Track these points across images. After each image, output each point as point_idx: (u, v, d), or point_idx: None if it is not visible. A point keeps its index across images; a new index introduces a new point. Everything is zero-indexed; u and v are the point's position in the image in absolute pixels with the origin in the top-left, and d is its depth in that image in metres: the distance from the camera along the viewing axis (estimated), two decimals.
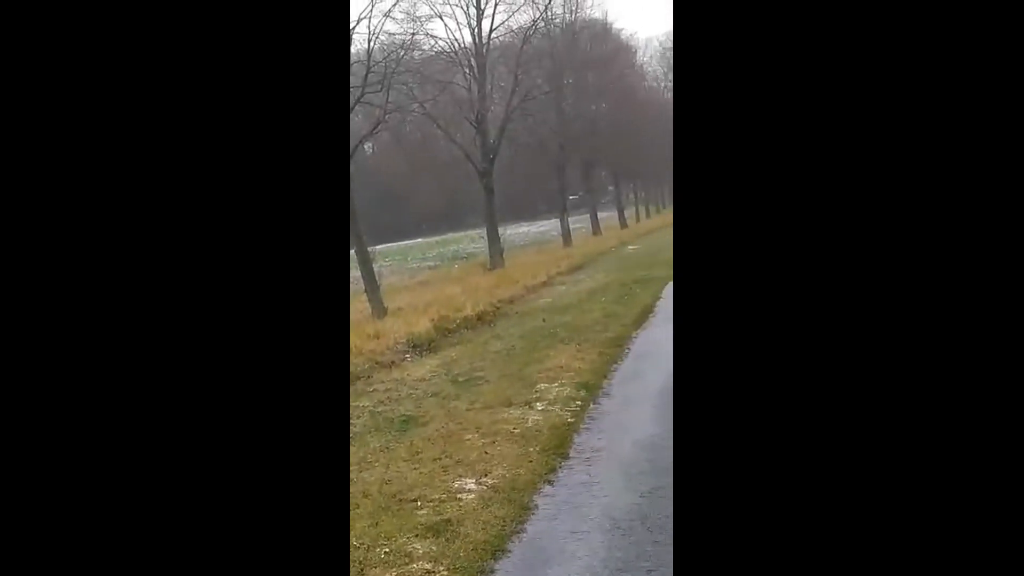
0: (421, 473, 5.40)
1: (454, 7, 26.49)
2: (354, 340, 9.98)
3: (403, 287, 20.67)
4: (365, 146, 29.29)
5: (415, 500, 4.91)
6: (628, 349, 8.91)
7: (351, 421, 6.93)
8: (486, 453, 5.66)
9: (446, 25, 50.34)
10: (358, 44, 16.69)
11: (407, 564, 4.07)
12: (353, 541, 4.32)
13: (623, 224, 37.21)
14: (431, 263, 31.93)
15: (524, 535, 4.26)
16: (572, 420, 6.22)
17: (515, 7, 24.07)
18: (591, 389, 7.08)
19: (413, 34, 18.86)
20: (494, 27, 23.02)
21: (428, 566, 4.02)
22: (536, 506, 4.61)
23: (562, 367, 8.05)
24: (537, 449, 5.59)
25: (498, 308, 13.39)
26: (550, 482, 4.98)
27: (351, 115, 15.46)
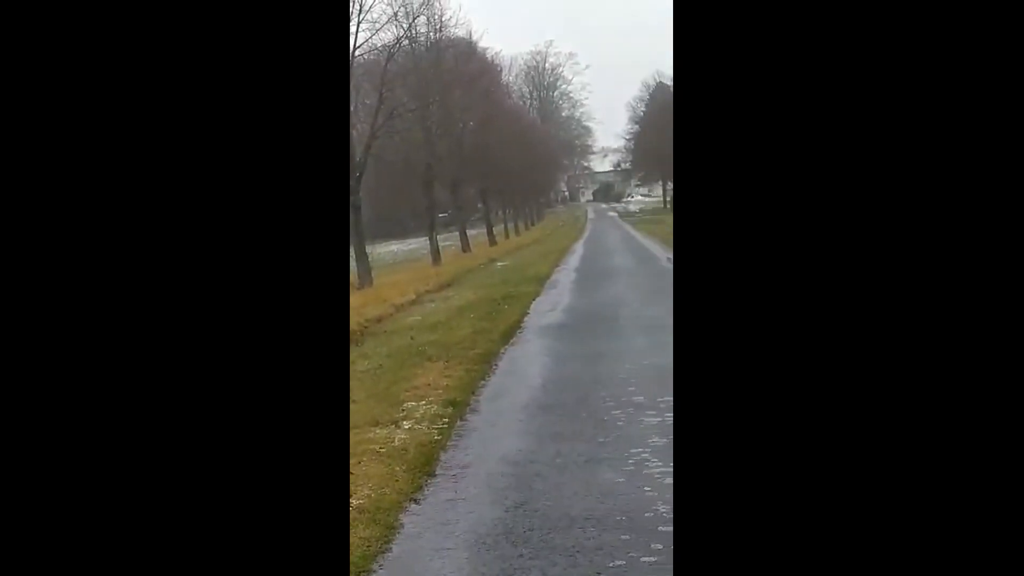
0: None
1: None
2: None
3: None
4: None
5: None
6: (496, 365, 8.96)
7: None
8: (352, 474, 5.58)
9: None
10: None
11: None
12: None
13: (492, 241, 37.46)
14: None
15: (389, 555, 4.22)
16: (439, 438, 6.20)
17: (378, 25, 23.94)
18: (458, 406, 7.07)
19: None
20: (358, 45, 22.87)
21: None
22: (402, 525, 4.57)
23: (429, 385, 8.02)
24: (403, 468, 5.54)
25: (365, 327, 13.23)
26: (416, 500, 4.95)
27: None
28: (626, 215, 66.72)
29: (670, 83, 54.50)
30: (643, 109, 67.58)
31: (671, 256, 22.91)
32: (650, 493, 4.64)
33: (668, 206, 71.51)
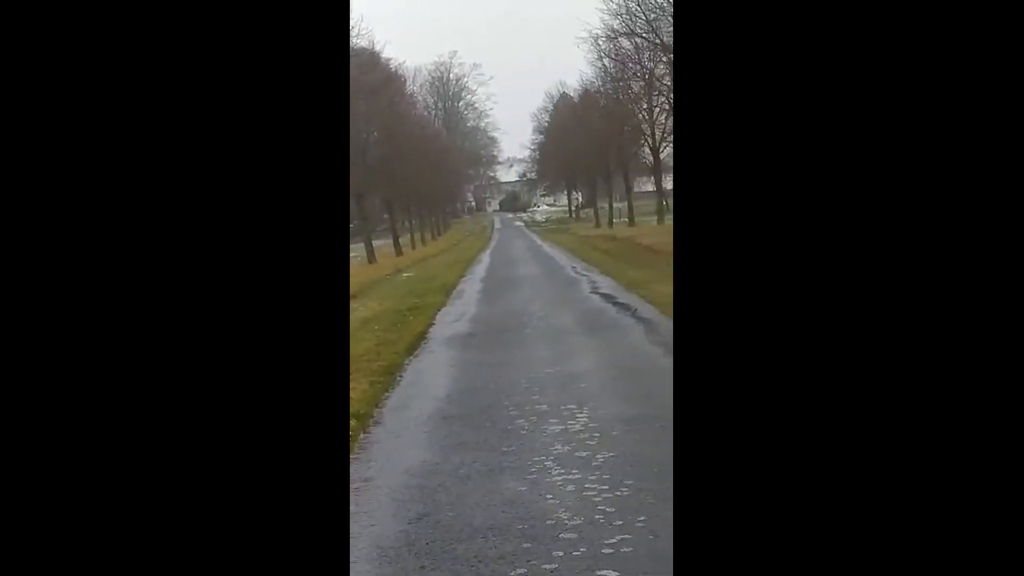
0: None
1: None
2: None
3: None
4: None
5: None
6: (400, 377, 8.91)
7: None
8: None
9: None
10: None
11: None
12: None
13: (398, 252, 37.28)
14: None
15: None
16: None
17: None
18: (361, 419, 7.01)
19: None
20: None
21: None
22: None
23: None
24: None
25: None
26: None
27: None
28: (532, 224, 67.24)
29: (573, 93, 55.20)
30: (547, 119, 68.16)
31: (576, 265, 23.18)
32: (552, 501, 4.68)
33: (574, 215, 72.33)
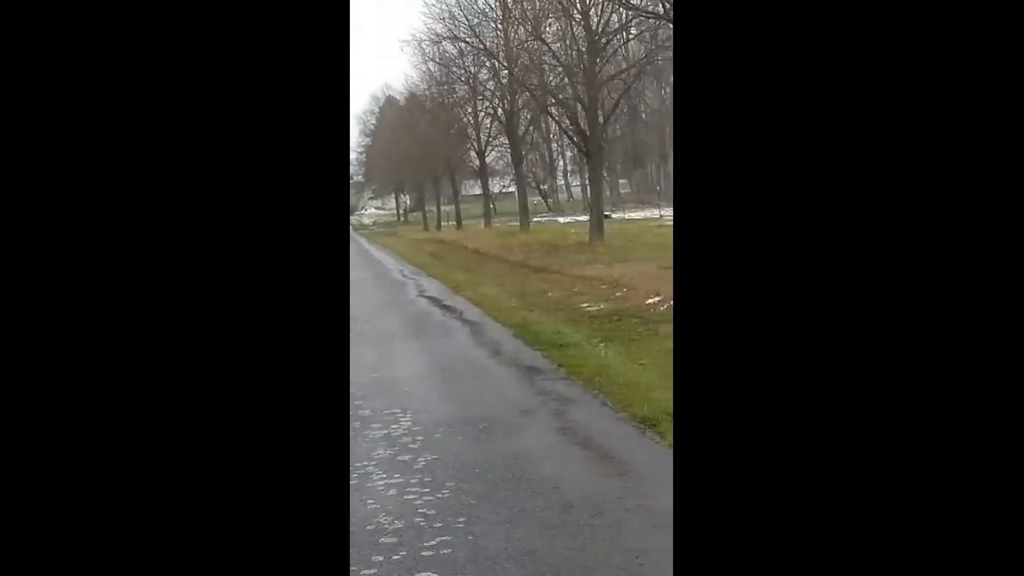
0: None
1: None
2: None
3: None
4: None
5: None
6: None
7: None
8: None
9: None
10: None
11: None
12: None
13: None
14: None
15: None
16: None
17: None
18: None
19: None
20: None
21: None
22: None
23: None
24: None
25: None
26: None
27: None
28: (360, 228, 66.52)
29: (399, 96, 55.00)
30: (374, 123, 67.67)
31: (403, 269, 23.12)
32: (372, 505, 4.66)
33: (403, 218, 72.09)
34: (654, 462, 5.21)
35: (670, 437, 5.58)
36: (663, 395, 6.67)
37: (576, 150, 32.86)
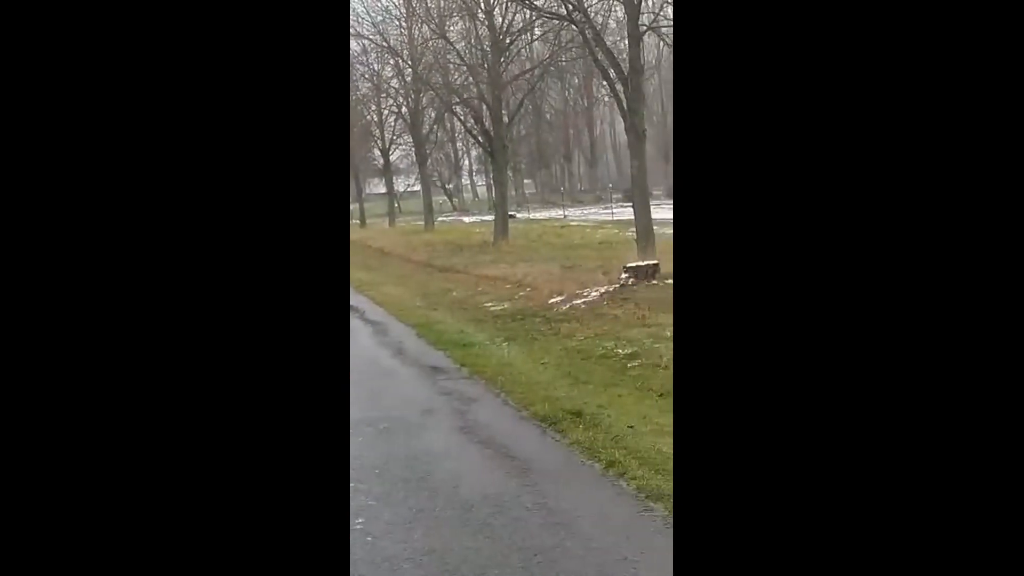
0: None
1: None
2: None
3: None
4: None
5: None
6: None
7: None
8: None
9: None
10: None
11: None
12: None
13: None
14: None
15: None
16: None
17: None
18: None
19: None
20: None
21: None
22: None
23: None
24: None
25: None
26: None
27: None
28: None
29: None
30: None
31: None
32: None
33: None
34: (554, 461, 5.25)
35: (570, 435, 5.64)
36: (564, 394, 6.75)
37: (481, 149, 32.89)
